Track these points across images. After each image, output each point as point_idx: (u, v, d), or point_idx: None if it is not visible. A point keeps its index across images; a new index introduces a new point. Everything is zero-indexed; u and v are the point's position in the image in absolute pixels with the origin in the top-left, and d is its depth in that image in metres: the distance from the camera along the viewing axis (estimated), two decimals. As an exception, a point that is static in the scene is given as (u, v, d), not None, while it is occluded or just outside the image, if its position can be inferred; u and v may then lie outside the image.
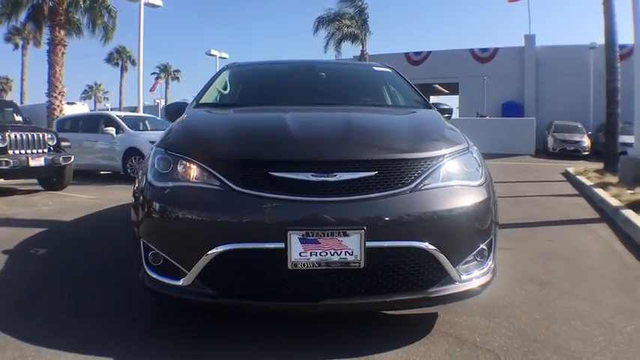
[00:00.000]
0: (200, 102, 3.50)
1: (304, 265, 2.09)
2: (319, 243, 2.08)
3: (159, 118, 13.67)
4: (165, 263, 2.29)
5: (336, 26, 26.99)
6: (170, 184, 2.33)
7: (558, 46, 27.53)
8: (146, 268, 2.35)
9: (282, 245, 2.07)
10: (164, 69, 51.64)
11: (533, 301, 3.04)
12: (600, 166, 11.92)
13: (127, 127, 10.90)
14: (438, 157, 2.39)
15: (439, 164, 2.36)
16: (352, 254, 2.10)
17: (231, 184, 2.20)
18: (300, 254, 2.08)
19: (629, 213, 5.38)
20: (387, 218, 2.16)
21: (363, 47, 28.10)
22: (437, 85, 34.65)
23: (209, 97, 3.65)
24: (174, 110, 3.62)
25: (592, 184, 8.73)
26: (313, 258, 2.09)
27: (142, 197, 2.42)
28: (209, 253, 2.13)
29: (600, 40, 24.52)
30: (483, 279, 2.41)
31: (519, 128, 22.54)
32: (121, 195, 7.84)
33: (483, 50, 29.50)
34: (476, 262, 2.40)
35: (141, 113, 15.74)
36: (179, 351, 2.33)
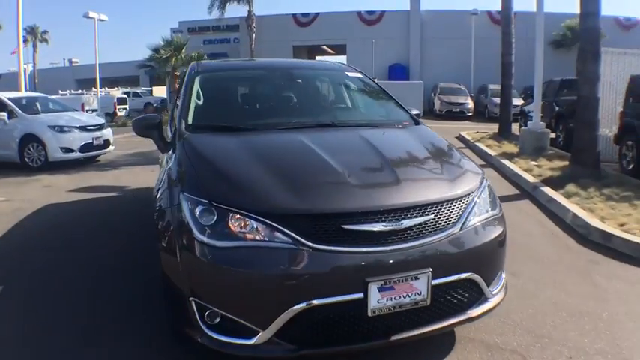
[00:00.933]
0: (194, 124, 3.23)
1: (382, 310, 2.22)
2: (394, 289, 2.23)
3: (52, 97, 12.29)
4: (229, 322, 2.22)
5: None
6: (230, 243, 2.20)
7: (442, 11, 29.27)
8: (204, 328, 2.26)
9: (361, 295, 2.18)
10: (31, 31, 45.78)
11: (518, 294, 3.47)
12: (485, 127, 13.14)
13: (20, 110, 9.69)
14: (473, 192, 2.61)
15: (474, 199, 2.59)
16: (420, 294, 2.28)
17: (304, 241, 2.17)
18: (377, 301, 2.21)
19: (548, 191, 6.19)
20: (446, 258, 2.37)
21: (250, 8, 27.32)
22: (324, 47, 35.10)
23: (199, 116, 3.38)
24: (144, 126, 3.36)
25: (496, 154, 9.75)
26: (389, 303, 2.23)
27: (189, 255, 2.26)
28: (289, 311, 2.14)
29: (481, 7, 26.80)
30: (502, 292, 2.73)
31: (408, 91, 23.81)
32: (36, 194, 7.11)
33: (370, 13, 30.36)
34: (497, 278, 2.72)
35: (31, 93, 13.95)
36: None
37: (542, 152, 9.27)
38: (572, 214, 5.19)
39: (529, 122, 9.18)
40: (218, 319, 2.24)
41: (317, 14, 30.67)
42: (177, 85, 23.73)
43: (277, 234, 2.19)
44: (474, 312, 2.53)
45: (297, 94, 3.92)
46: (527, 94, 15.76)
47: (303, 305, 2.14)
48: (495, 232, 2.62)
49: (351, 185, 2.43)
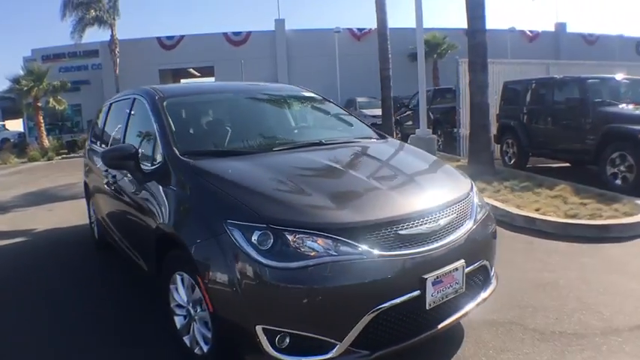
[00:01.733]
0: (188, 150, 3.07)
1: (435, 302, 2.48)
2: (443, 282, 2.50)
3: None
4: (302, 342, 2.25)
5: (83, 10, 24.14)
6: (298, 263, 2.21)
7: (306, 30, 30.47)
8: (275, 353, 2.25)
9: (419, 292, 2.41)
10: None
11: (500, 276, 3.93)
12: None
13: None
14: (471, 192, 3.01)
15: (473, 198, 2.98)
16: (458, 283, 2.59)
17: (368, 250, 2.29)
18: (432, 295, 2.46)
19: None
20: (471, 248, 2.71)
21: (112, 32, 25.95)
22: (191, 69, 34.48)
23: (186, 142, 3.25)
24: (118, 157, 3.22)
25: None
26: (439, 295, 2.50)
27: (254, 283, 2.23)
28: (364, 319, 2.25)
29: (343, 25, 28.57)
30: (496, 275, 3.16)
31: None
32: None
33: (236, 34, 30.59)
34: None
35: None
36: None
37: (434, 156, 10.25)
38: (492, 206, 5.94)
39: (417, 130, 10.10)
40: (288, 341, 2.25)
41: (182, 37, 30.03)
42: (40, 118, 21.64)
43: (342, 247, 2.27)
44: (485, 294, 2.90)
45: (271, 117, 4.03)
46: (400, 105, 17.18)
47: (375, 311, 2.28)
48: (492, 224, 3.05)
49: (390, 195, 2.67)
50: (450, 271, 2.53)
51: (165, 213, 2.87)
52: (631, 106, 7.47)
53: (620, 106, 7.54)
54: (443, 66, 26.61)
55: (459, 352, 2.86)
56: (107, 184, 4.06)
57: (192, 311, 2.69)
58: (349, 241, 2.30)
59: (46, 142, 21.54)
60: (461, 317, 2.72)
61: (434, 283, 2.46)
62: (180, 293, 2.78)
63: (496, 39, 30.77)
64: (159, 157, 3.16)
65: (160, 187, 3.02)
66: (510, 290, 3.68)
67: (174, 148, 3.07)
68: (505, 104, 9.70)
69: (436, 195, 2.77)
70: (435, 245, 2.53)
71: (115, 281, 4.42)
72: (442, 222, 2.61)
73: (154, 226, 2.96)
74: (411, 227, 2.48)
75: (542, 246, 4.79)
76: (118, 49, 25.90)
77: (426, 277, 2.42)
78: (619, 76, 8.58)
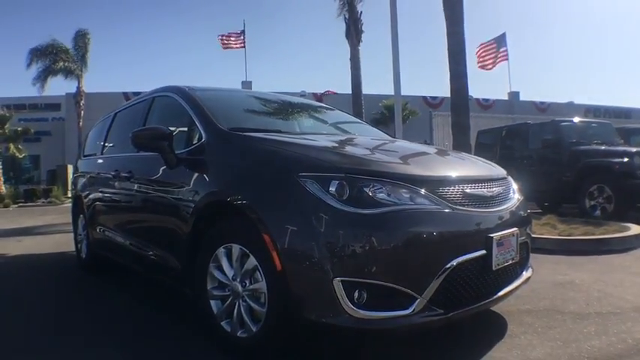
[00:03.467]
0: (232, 126, 3.00)
1: (499, 265, 2.49)
2: (504, 245, 2.54)
3: None
4: (380, 297, 2.14)
5: (50, 59, 24.04)
6: (382, 209, 2.16)
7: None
8: (353, 307, 2.12)
9: (485, 252, 2.42)
10: None
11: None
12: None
13: None
14: (507, 175, 3.14)
15: (511, 180, 3.12)
16: (514, 250, 2.63)
17: (445, 202, 2.33)
18: (496, 256, 2.47)
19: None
20: (519, 221, 2.78)
21: (79, 84, 25.81)
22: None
23: (228, 121, 3.12)
24: (151, 137, 3.06)
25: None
26: (502, 258, 2.51)
27: (336, 232, 2.13)
28: (442, 271, 2.21)
29: (309, 89, 29.49)
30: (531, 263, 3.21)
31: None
32: None
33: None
34: None
35: None
36: None
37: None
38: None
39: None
40: (366, 296, 2.15)
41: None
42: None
43: (418, 197, 2.28)
44: (527, 274, 2.94)
45: (307, 118, 4.13)
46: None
47: (453, 264, 2.25)
48: (528, 208, 3.13)
49: (453, 160, 2.86)
50: (509, 236, 2.57)
51: (215, 183, 2.77)
52: (602, 146, 8.04)
53: (592, 145, 8.10)
54: (405, 129, 27.52)
55: (509, 331, 2.85)
56: (117, 182, 3.94)
57: (239, 287, 2.50)
58: (425, 192, 2.31)
59: (2, 189, 20.59)
60: (514, 290, 2.72)
61: (498, 244, 2.48)
62: (224, 270, 2.62)
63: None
64: (196, 140, 3.09)
65: (203, 163, 2.92)
66: (533, 288, 3.74)
67: (219, 125, 3.00)
68: (477, 150, 10.22)
69: (489, 167, 2.95)
70: (496, 209, 2.60)
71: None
72: (496, 190, 2.70)
73: (193, 203, 2.84)
74: (475, 188, 2.55)
75: (546, 259, 4.92)
76: (83, 101, 25.66)
77: (492, 235, 2.44)
78: (587, 120, 9.29)
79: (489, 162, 3.23)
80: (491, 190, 2.65)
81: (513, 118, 13.10)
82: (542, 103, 34.92)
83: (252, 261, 2.43)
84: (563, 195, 8.13)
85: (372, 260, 2.14)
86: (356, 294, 2.13)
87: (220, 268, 2.63)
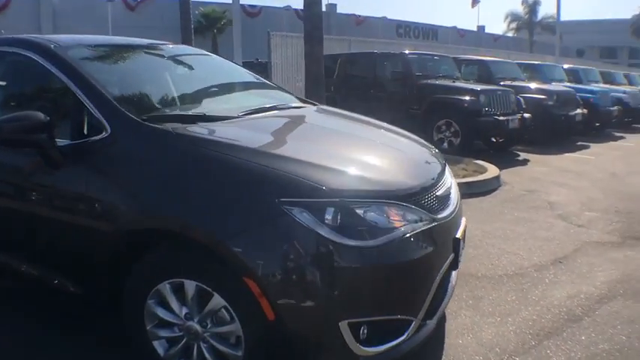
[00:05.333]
0: (149, 115, 2.35)
1: (461, 261, 2.52)
2: (464, 240, 2.57)
3: None
4: (380, 329, 1.98)
5: None
6: (386, 237, 1.93)
7: (76, -1, 26.73)
8: (364, 349, 1.95)
9: (454, 254, 2.36)
10: None
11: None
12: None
13: None
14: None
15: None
16: (465, 242, 2.67)
17: (430, 215, 2.16)
18: (461, 255, 2.48)
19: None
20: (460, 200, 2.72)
21: None
22: None
23: (131, 104, 2.43)
24: (22, 129, 2.18)
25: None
26: (462, 252, 2.53)
27: (339, 268, 1.87)
28: (433, 287, 2.12)
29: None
30: None
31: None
32: None
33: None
34: None
35: None
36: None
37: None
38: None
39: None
40: (366, 333, 1.96)
41: None
42: None
43: (411, 215, 2.07)
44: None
45: (201, 79, 3.40)
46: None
47: (439, 277, 2.18)
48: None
49: (414, 158, 2.64)
50: (464, 229, 2.57)
51: (142, 202, 2.15)
52: (449, 81, 8.67)
53: (439, 80, 8.69)
54: (223, 41, 25.97)
55: (447, 308, 2.96)
56: None
57: (197, 328, 2.06)
58: (414, 207, 2.11)
59: None
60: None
61: (462, 243, 2.48)
62: (172, 308, 2.11)
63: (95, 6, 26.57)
64: (87, 129, 2.32)
65: (111, 167, 2.24)
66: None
67: (129, 114, 2.28)
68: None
69: (436, 156, 2.84)
70: (453, 206, 2.50)
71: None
72: (448, 182, 2.61)
73: (107, 224, 2.17)
74: (440, 189, 2.41)
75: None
76: None
77: (457, 237, 2.39)
78: (430, 53, 9.88)
79: (426, 144, 3.12)
80: (445, 185, 2.54)
81: (350, 40, 13.30)
82: (358, 16, 35.52)
83: (217, 301, 1.99)
84: (412, 127, 8.65)
85: (380, 295, 1.98)
86: (360, 333, 1.94)
87: (165, 305, 2.13)
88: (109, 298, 2.29)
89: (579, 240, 4.16)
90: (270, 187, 1.93)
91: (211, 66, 3.72)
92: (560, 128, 9.64)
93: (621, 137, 11.89)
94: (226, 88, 3.39)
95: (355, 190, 2.02)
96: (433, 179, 2.42)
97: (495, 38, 41.37)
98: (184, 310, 2.09)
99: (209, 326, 2.05)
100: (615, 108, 11.93)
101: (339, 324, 1.88)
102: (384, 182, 2.16)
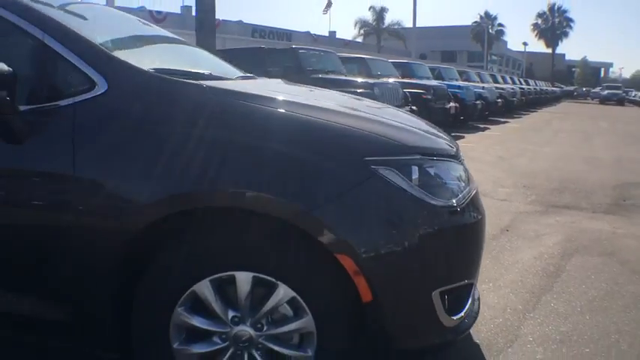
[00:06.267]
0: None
1: None
2: None
3: None
4: (456, 295, 1.85)
5: None
6: (458, 198, 1.82)
7: None
8: (451, 317, 1.82)
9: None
10: None
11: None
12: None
13: None
14: None
15: None
16: None
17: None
18: None
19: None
20: None
21: None
22: None
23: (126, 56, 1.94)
24: None
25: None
26: None
27: (435, 233, 1.72)
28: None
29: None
30: None
31: None
32: None
33: None
34: None
35: None
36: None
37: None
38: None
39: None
40: (447, 302, 1.82)
41: None
42: None
43: (465, 173, 2.00)
44: None
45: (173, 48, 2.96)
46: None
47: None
48: None
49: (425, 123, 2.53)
50: None
51: (173, 177, 1.69)
52: (338, 75, 8.91)
53: (330, 75, 8.87)
54: None
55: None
56: None
57: (250, 332, 1.72)
58: (464, 167, 2.06)
59: None
60: None
61: None
62: (214, 311, 1.72)
63: None
64: (67, 87, 1.79)
65: (111, 137, 1.75)
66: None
67: (135, 65, 1.86)
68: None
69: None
70: None
71: None
72: None
73: (116, 215, 1.70)
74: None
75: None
76: None
77: None
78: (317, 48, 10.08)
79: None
80: None
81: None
82: (216, 19, 35.05)
83: (283, 293, 1.69)
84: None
85: (460, 259, 1.89)
86: (447, 300, 1.82)
87: (202, 311, 1.75)
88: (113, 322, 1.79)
89: (510, 211, 4.56)
90: (357, 146, 1.73)
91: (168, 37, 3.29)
92: (438, 120, 10.47)
93: (486, 128, 13.32)
94: (198, 57, 3.05)
95: (430, 148, 1.91)
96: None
97: (346, 43, 43.64)
98: (231, 313, 1.74)
99: (265, 328, 1.74)
100: (479, 102, 13.38)
101: (432, 294, 1.74)
102: (438, 141, 2.07)
